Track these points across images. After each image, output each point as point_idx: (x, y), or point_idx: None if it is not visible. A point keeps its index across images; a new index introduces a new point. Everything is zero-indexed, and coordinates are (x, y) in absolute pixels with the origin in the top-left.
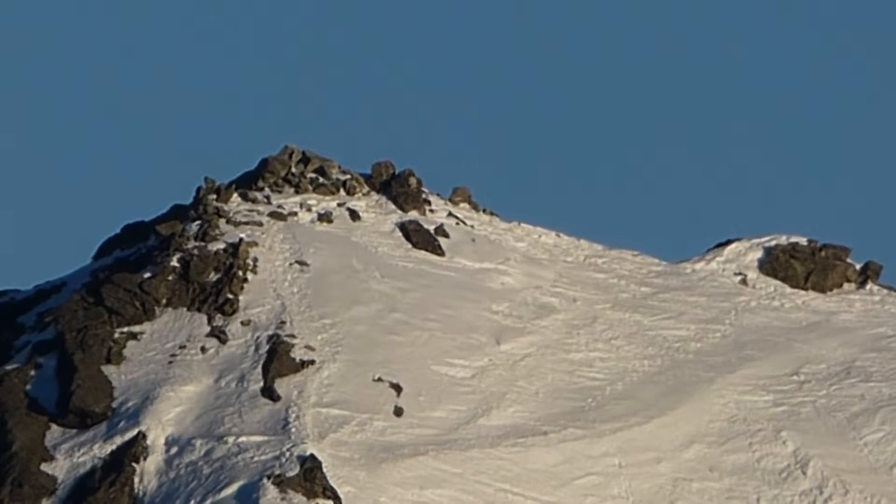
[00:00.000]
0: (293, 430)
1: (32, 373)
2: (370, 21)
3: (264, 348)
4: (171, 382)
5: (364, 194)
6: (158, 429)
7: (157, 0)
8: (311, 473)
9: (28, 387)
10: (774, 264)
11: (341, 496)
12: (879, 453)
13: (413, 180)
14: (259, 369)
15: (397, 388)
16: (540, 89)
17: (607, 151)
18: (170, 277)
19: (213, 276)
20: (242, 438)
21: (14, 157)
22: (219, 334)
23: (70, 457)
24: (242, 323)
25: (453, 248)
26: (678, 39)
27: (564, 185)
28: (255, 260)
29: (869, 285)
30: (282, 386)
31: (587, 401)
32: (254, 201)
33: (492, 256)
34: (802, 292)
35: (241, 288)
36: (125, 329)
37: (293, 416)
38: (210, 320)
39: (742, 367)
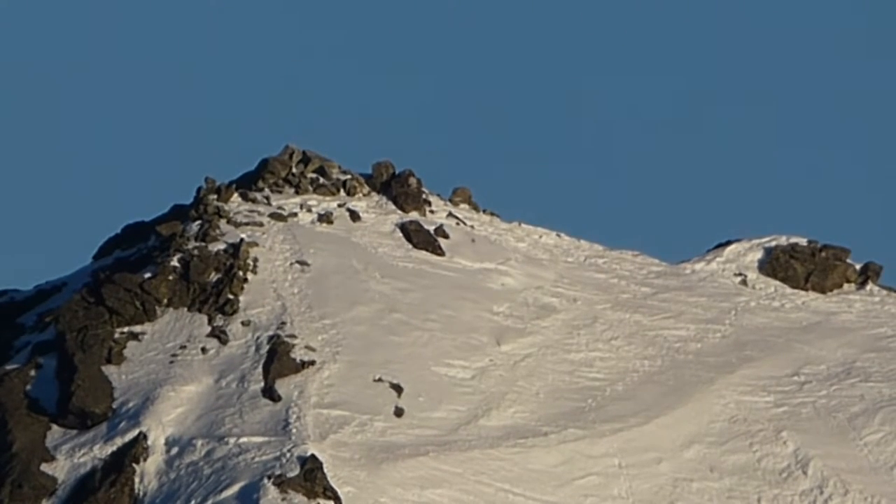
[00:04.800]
0: (294, 430)
1: (33, 373)
2: (370, 21)
3: (265, 348)
4: (172, 383)
5: (364, 195)
6: (159, 429)
7: (158, 0)
8: (311, 474)
9: (28, 387)
10: (774, 265)
11: (342, 496)
12: (879, 453)
13: (413, 180)
14: (259, 370)
15: (398, 389)
16: (540, 89)
17: (607, 152)
18: (170, 278)
19: (214, 277)
20: (243, 439)
21: (14, 156)
22: (219, 334)
23: (70, 457)
24: (243, 323)
25: (453, 249)
26: (678, 39)
27: (564, 185)
28: (256, 260)
29: (869, 286)
30: (282, 386)
31: (587, 401)
32: (254, 202)
33: (492, 257)
34: (802, 293)
35: (242, 288)
36: (126, 329)
37: (294, 416)
38: (210, 320)
39: (742, 368)
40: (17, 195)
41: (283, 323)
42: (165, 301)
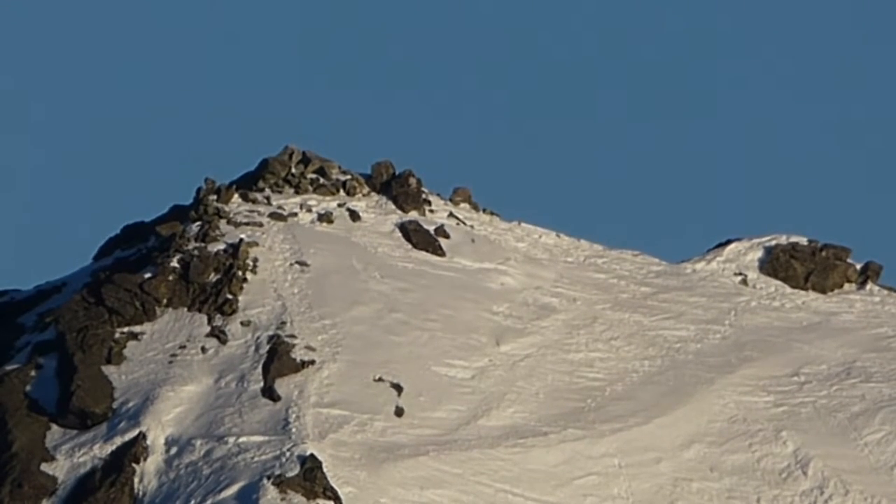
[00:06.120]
0: (293, 430)
1: (33, 373)
2: (370, 21)
3: (264, 348)
4: (172, 382)
5: (364, 195)
6: (158, 429)
7: (158, 0)
8: (311, 473)
9: (28, 387)
10: (775, 264)
11: (342, 496)
12: (880, 453)
13: (413, 180)
14: (259, 369)
15: (398, 389)
16: (540, 89)
17: (608, 152)
18: (170, 278)
19: (214, 277)
20: (242, 438)
21: (14, 157)
22: (219, 334)
23: (70, 457)
24: (242, 323)
25: (453, 249)
26: (678, 39)
27: (564, 185)
28: (256, 260)
29: (869, 285)
30: (282, 386)
31: (587, 401)
32: (254, 202)
33: (492, 257)
34: (803, 292)
35: (241, 288)
36: (125, 329)
37: (293, 416)
38: (210, 320)
39: (742, 368)
40: (18, 195)
41: (283, 323)
42: (165, 301)
